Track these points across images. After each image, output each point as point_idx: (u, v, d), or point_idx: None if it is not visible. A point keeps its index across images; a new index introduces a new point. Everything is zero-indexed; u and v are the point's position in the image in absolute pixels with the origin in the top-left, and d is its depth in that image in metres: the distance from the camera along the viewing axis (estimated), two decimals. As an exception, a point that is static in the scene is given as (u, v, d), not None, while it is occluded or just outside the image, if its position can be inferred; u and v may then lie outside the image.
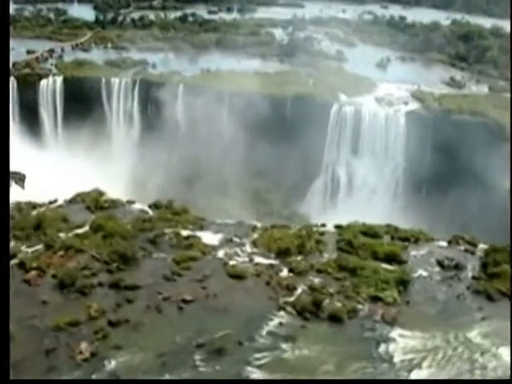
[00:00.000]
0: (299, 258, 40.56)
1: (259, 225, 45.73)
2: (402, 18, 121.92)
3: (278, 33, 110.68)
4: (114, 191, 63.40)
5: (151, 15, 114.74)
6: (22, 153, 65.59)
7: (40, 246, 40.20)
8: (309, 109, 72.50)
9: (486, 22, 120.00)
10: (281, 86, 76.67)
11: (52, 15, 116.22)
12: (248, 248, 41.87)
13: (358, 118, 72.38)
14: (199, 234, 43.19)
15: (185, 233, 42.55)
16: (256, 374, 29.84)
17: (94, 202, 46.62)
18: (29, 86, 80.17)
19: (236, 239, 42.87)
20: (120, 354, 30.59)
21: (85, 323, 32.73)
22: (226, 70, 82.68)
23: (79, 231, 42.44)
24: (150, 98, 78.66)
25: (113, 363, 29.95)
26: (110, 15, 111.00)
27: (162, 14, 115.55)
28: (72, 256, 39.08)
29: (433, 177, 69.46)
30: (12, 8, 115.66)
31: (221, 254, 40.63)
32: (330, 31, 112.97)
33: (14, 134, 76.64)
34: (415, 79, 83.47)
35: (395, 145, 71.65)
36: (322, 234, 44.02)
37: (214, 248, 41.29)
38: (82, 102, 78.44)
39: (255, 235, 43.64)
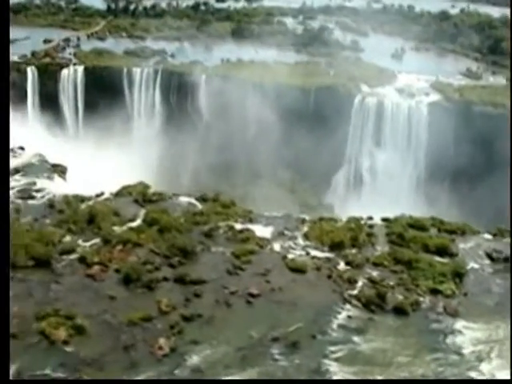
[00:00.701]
0: (353, 251, 41.27)
1: (307, 217, 46.20)
2: (411, 7, 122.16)
3: (290, 22, 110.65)
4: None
5: (163, 3, 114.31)
6: (43, 143, 65.65)
7: (96, 240, 40.44)
8: (332, 99, 72.96)
9: (493, 11, 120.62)
10: (302, 76, 77.01)
11: (63, 3, 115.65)
12: (301, 241, 42.51)
13: (381, 109, 72.95)
14: (250, 226, 43.63)
15: (238, 226, 42.97)
16: (334, 367, 30.55)
17: (141, 195, 46.90)
18: (49, 75, 79.85)
19: (287, 232, 43.50)
20: (199, 349, 31.14)
21: (157, 318, 33.18)
22: (245, 60, 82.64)
23: (132, 225, 42.78)
24: (171, 88, 78.58)
25: (194, 358, 30.50)
26: (122, 3, 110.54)
27: (173, 3, 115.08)
28: (130, 250, 39.43)
29: (456, 168, 69.93)
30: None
31: (276, 247, 41.16)
32: (340, 20, 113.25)
33: (35, 123, 76.81)
34: (432, 70, 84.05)
35: (418, 136, 72.30)
36: (371, 226, 44.62)
37: (269, 241, 41.79)
38: (104, 92, 78.29)
39: (305, 228, 44.19)
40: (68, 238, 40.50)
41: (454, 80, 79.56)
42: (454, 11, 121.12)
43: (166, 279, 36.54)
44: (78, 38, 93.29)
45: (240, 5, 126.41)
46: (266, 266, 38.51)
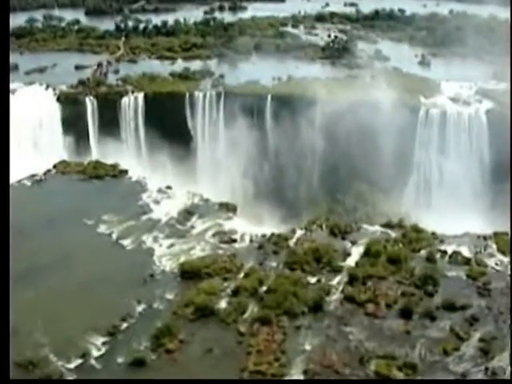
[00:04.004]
0: None
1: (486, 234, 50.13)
2: (402, 11, 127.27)
3: (299, 33, 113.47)
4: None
5: (170, 20, 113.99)
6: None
7: (340, 278, 43.20)
8: (398, 113, 76.77)
9: (475, 10, 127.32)
10: (362, 90, 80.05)
11: (64, 24, 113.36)
12: (501, 257, 46.56)
13: (443, 119, 77.73)
14: (452, 248, 47.18)
15: (448, 249, 46.38)
16: None
17: (336, 227, 49.08)
18: (109, 104, 79.26)
19: (482, 250, 47.47)
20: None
21: (463, 345, 36.26)
22: (297, 77, 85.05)
23: (354, 258, 45.41)
24: (236, 110, 79.49)
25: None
26: (132, 23, 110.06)
27: (181, 19, 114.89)
28: (380, 284, 42.07)
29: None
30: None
31: (491, 264, 44.99)
32: (343, 28, 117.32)
33: (99, 154, 76.13)
34: (463, 75, 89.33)
35: (480, 142, 77.49)
36: None
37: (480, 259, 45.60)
38: (165, 118, 78.79)
39: (492, 244, 48.23)
40: (312, 279, 42.45)
41: (493, 85, 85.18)
42: (442, 11, 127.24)
43: (437, 308, 39.47)
44: (109, 63, 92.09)
45: (225, 15, 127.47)
46: (502, 283, 42.16)
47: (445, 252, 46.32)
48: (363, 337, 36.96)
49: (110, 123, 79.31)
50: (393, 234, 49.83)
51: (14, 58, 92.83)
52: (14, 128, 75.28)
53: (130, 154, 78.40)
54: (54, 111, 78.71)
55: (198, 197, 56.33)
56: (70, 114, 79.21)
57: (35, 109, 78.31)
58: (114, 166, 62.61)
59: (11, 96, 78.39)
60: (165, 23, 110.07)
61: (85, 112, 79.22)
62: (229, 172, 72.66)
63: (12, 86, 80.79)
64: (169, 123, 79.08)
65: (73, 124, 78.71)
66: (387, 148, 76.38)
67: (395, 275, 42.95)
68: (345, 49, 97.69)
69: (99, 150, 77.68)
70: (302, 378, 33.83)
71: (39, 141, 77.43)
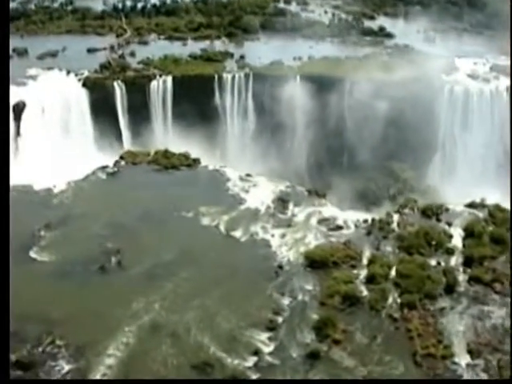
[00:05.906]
0: None
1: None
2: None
3: (296, 9, 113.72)
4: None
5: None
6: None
7: (455, 259, 45.23)
8: (423, 91, 79.13)
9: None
10: (386, 69, 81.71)
11: (56, 5, 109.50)
12: None
13: (467, 96, 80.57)
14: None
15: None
16: None
17: (429, 209, 50.94)
18: (138, 88, 78.26)
19: None
20: None
21: None
22: (317, 57, 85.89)
23: (457, 240, 47.38)
24: (264, 91, 79.72)
25: None
26: (129, 3, 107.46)
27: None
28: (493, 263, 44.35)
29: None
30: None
31: None
32: (335, 4, 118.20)
33: (130, 142, 75.48)
34: (471, 51, 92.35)
35: (502, 119, 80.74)
36: None
37: None
38: (196, 101, 78.41)
39: None
40: (432, 262, 44.25)
41: (504, 61, 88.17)
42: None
43: None
44: (120, 45, 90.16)
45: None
46: None
47: (531, 226, 48.90)
48: (504, 314, 39.03)
49: (139, 107, 78.34)
50: (480, 214, 51.76)
51: (17, 42, 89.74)
52: (43, 115, 74.02)
53: (163, 137, 77.69)
54: (82, 97, 76.74)
55: (283, 184, 56.57)
56: (98, 99, 77.46)
57: (62, 95, 76.11)
58: (186, 155, 61.79)
59: (33, 82, 76.29)
60: (163, 2, 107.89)
61: (113, 97, 77.80)
62: (282, 155, 73.42)
63: (30, 71, 78.76)
64: (200, 106, 78.72)
65: (102, 109, 77.03)
66: (416, 125, 78.75)
67: (503, 254, 45.12)
68: (351, 26, 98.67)
69: (131, 136, 76.95)
70: (467, 357, 35.50)
71: (71, 127, 75.52)
